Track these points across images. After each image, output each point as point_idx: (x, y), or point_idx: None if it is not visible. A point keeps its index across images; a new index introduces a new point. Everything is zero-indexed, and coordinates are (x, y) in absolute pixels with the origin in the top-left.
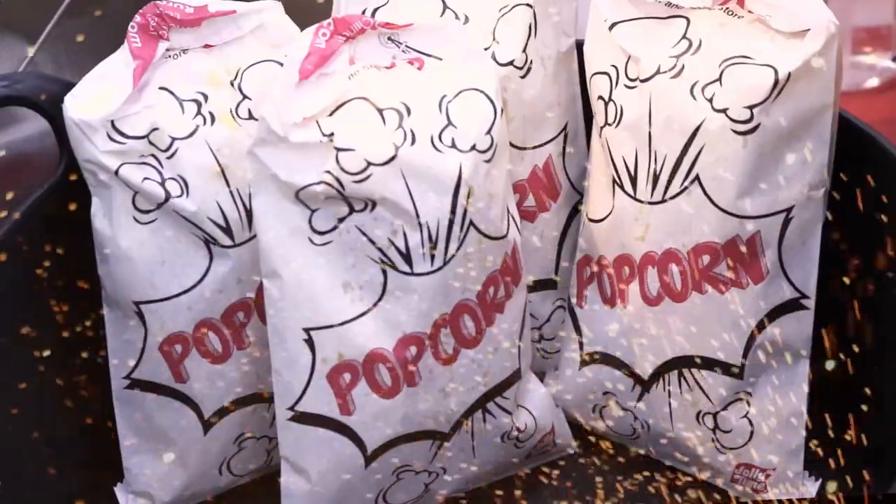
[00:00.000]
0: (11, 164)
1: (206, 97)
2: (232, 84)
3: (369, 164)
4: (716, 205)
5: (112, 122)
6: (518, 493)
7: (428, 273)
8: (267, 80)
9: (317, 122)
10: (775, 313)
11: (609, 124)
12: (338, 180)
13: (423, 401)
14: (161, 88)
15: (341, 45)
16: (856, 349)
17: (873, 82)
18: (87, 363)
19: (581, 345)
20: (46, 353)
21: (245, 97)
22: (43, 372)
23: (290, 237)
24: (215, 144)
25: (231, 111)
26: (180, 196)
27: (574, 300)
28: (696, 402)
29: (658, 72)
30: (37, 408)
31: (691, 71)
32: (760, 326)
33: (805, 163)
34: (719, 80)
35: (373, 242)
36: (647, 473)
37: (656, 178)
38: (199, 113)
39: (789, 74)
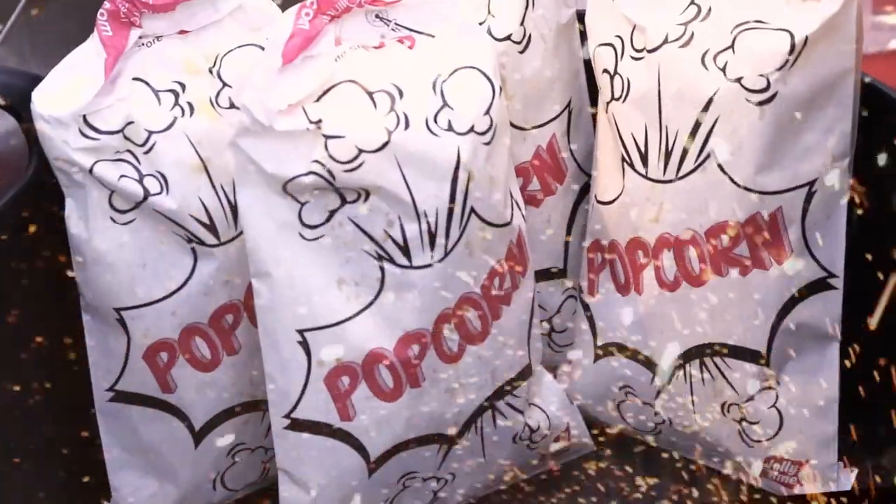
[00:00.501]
0: None
1: (183, 86)
2: (210, 71)
3: (361, 151)
4: (733, 181)
5: (84, 116)
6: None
7: (428, 265)
8: (248, 66)
9: (303, 108)
10: (801, 294)
11: (616, 99)
12: (328, 170)
13: (428, 402)
14: (135, 79)
15: (326, 26)
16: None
17: None
18: (70, 373)
19: (595, 336)
20: (25, 356)
21: (225, 85)
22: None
23: (278, 233)
24: (195, 137)
25: (210, 100)
26: (160, 193)
27: (585, 289)
28: (720, 393)
29: (666, 41)
30: (18, 418)
31: (701, 38)
32: (786, 309)
33: (827, 132)
34: (732, 47)
35: (368, 235)
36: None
37: (668, 155)
38: (176, 104)
39: (806, 38)
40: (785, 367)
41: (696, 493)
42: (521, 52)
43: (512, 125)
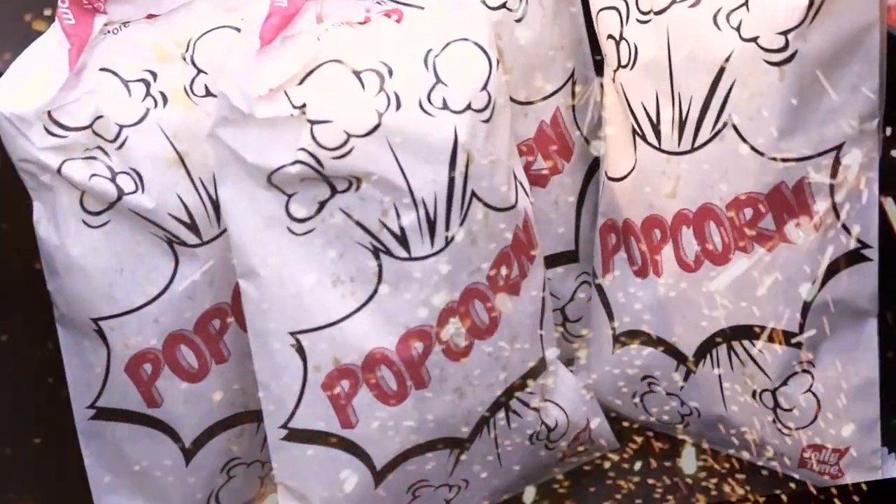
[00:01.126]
0: None
1: (154, 75)
2: (183, 58)
3: (350, 136)
4: (754, 149)
5: (49, 113)
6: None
7: (428, 256)
8: (223, 50)
9: (285, 92)
10: (834, 268)
11: (623, 67)
12: (315, 158)
13: (436, 404)
14: (102, 70)
15: (306, 2)
16: None
17: None
18: (50, 389)
19: (612, 324)
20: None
21: (200, 71)
22: None
23: (265, 229)
24: (170, 129)
25: (185, 89)
26: (135, 192)
27: (600, 273)
28: (751, 379)
29: (674, 1)
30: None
31: None
32: (817, 285)
33: (853, 91)
34: (745, 4)
35: (361, 226)
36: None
37: (683, 125)
38: (148, 94)
39: None
40: (820, 348)
41: (727, 488)
42: (518, 20)
43: (512, 100)
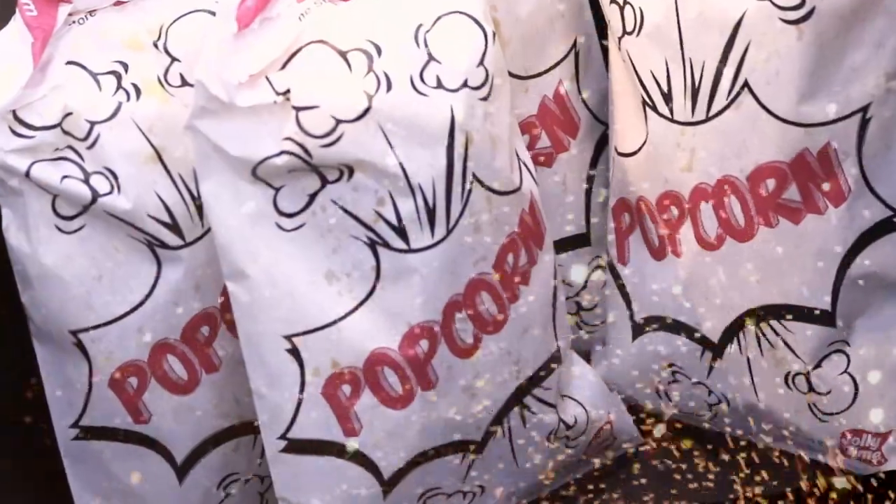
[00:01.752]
0: None
1: (125, 66)
2: (155, 46)
3: (338, 121)
4: (774, 114)
5: (13, 112)
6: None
7: (429, 247)
8: (198, 36)
9: (267, 78)
10: (865, 239)
11: (628, 33)
12: (302, 147)
13: (445, 406)
14: (69, 63)
15: None
16: None
17: None
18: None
19: (630, 311)
20: None
21: (174, 60)
22: None
23: (252, 225)
24: (145, 123)
25: (159, 79)
26: (110, 193)
27: (615, 257)
28: (782, 363)
29: None
30: None
31: None
32: (849, 258)
33: (878, 47)
34: None
35: (356, 218)
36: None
37: (696, 93)
38: (119, 87)
39: None
40: (855, 326)
41: (758, 477)
42: None
43: (511, 75)
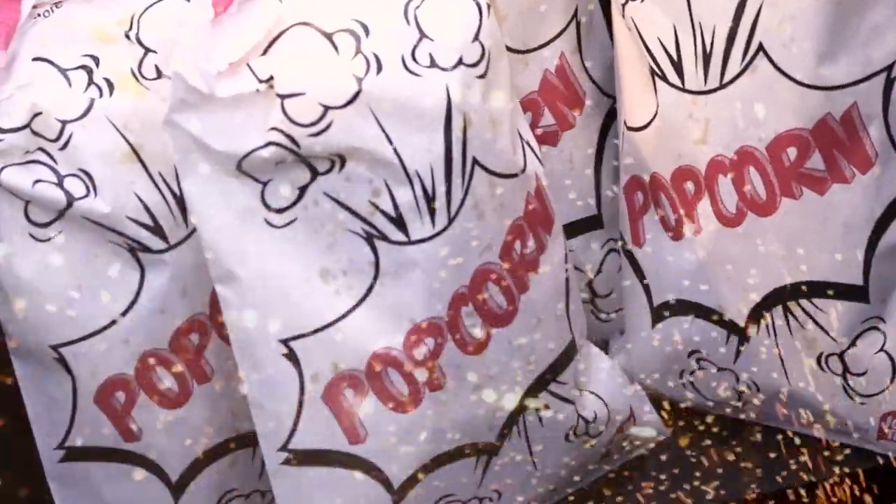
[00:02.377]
0: None
1: (96, 60)
2: (127, 36)
3: (327, 108)
4: (791, 78)
5: None
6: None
7: (430, 237)
8: (173, 24)
9: (248, 65)
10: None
11: None
12: (289, 137)
13: (455, 407)
14: (36, 59)
15: None
16: None
17: None
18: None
19: (648, 296)
20: None
21: (148, 51)
22: None
23: (240, 224)
24: (119, 120)
25: (133, 72)
26: (86, 196)
27: (629, 238)
28: (813, 343)
29: None
30: None
31: None
32: (880, 228)
33: None
34: None
35: (350, 210)
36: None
37: (707, 59)
38: (91, 83)
39: None
40: (889, 301)
41: (785, 468)
42: None
43: (509, 50)
